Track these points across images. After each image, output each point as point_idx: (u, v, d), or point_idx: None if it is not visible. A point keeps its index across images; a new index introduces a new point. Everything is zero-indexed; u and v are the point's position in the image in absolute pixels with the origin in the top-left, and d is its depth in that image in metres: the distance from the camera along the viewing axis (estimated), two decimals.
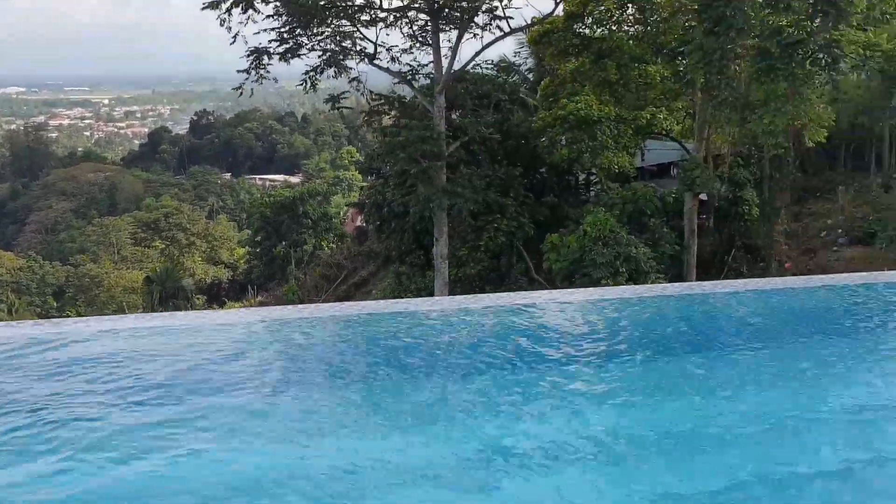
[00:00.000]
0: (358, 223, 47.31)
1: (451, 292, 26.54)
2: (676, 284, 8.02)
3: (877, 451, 4.47)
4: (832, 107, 27.96)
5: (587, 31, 29.19)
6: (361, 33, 28.49)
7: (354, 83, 29.34)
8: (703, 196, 30.00)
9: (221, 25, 26.36)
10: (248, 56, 27.50)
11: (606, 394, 5.54)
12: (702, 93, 26.39)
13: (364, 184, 48.90)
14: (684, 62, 26.04)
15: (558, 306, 7.33)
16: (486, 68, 32.48)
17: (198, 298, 52.77)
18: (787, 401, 5.25)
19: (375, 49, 28.42)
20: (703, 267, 29.10)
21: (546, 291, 7.86)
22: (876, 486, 4.00)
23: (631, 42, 28.64)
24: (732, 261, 31.09)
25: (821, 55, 22.54)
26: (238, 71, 27.69)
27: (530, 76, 37.57)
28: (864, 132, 36.95)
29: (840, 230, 31.91)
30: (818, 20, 22.63)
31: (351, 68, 28.69)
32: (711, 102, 25.44)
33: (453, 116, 30.25)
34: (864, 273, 8.27)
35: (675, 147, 33.98)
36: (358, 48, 28.55)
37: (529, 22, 29.48)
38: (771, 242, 30.93)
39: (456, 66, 27.92)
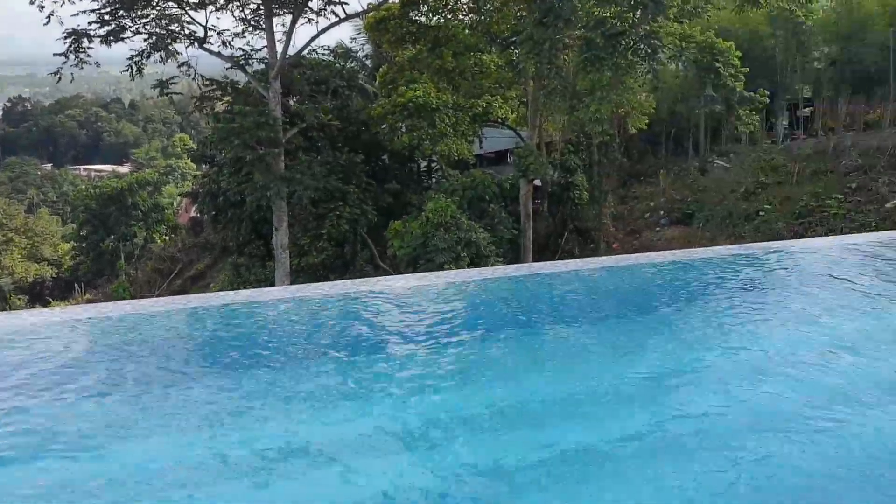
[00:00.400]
0: (192, 214, 45.51)
1: (294, 282, 26.09)
2: (513, 266, 8.25)
3: (688, 415, 4.77)
4: (653, 95, 29.72)
5: (423, 18, 29.42)
6: (190, 16, 27.34)
7: (184, 68, 28.13)
8: (537, 182, 31.09)
9: (32, 3, 24.48)
10: (66, 39, 25.69)
11: (447, 374, 5.61)
12: (533, 81, 27.25)
13: (198, 172, 47.10)
14: (517, 51, 26.77)
15: (402, 291, 7.36)
16: (323, 54, 32.04)
17: (18, 299, 48.96)
18: (615, 370, 5.50)
19: (205, 33, 27.37)
20: (538, 249, 30.22)
21: (390, 277, 7.83)
22: (674, 448, 4.27)
23: (466, 31, 29.14)
24: (565, 243, 32.50)
25: (641, 46, 23.77)
26: (55, 54, 25.82)
27: (368, 63, 37.46)
28: (682, 119, 39.49)
29: (662, 212, 33.97)
30: (639, 12, 23.87)
31: (179, 53, 27.47)
32: (542, 91, 26.32)
33: (290, 102, 29.65)
34: (682, 250, 8.83)
35: (511, 135, 35.00)
36: (187, 32, 27.35)
37: (365, 8, 29.35)
38: (600, 224, 32.56)
39: (291, 52, 27.41)
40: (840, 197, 27.66)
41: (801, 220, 27.83)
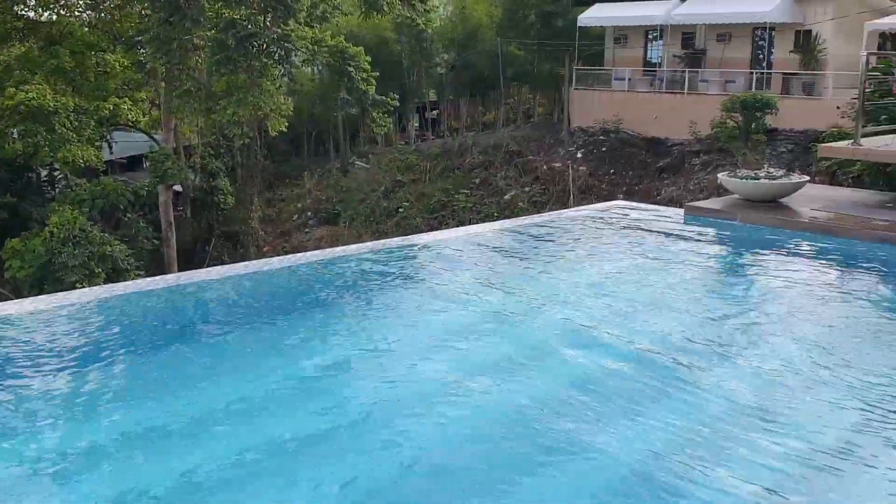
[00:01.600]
0: None
1: None
2: (156, 278, 7.70)
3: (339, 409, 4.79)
4: (292, 98, 29.95)
5: (32, 13, 26.59)
6: None
7: None
8: (177, 187, 29.76)
9: None
10: None
11: (86, 401, 5.03)
12: (165, 83, 26.00)
13: None
14: (144, 51, 25.34)
15: (16, 319, 6.46)
16: None
17: None
18: (268, 377, 5.36)
19: None
20: (185, 258, 28.97)
21: (4, 303, 6.84)
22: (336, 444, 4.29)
23: (85, 29, 26.93)
24: (214, 249, 31.59)
25: (274, 48, 23.83)
26: None
27: None
28: (323, 121, 40.53)
29: (310, 212, 34.55)
30: (269, 16, 23.85)
31: None
32: (175, 93, 25.22)
33: None
34: (327, 249, 8.95)
35: (146, 139, 33.12)
36: None
37: None
38: (248, 228, 32.18)
39: None
40: (467, 192, 30.37)
41: (436, 214, 30.09)
